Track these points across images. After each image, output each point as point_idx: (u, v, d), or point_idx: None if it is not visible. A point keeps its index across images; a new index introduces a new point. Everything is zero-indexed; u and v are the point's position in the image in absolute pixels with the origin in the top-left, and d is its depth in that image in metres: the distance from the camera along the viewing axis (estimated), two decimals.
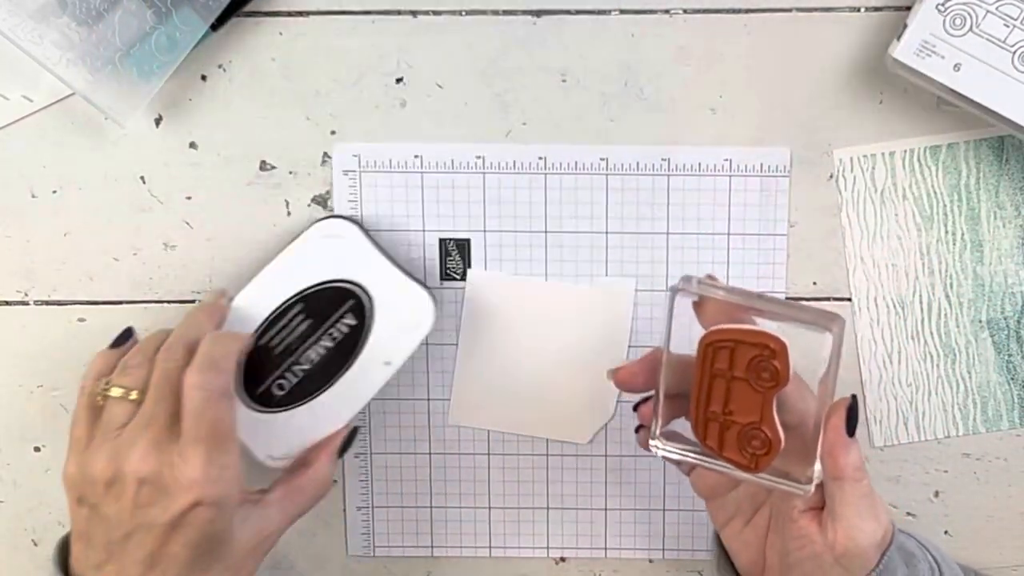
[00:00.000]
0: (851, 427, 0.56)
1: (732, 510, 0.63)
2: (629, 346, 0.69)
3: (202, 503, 0.56)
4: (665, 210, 0.68)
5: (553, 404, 0.70)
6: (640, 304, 0.69)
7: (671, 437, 0.60)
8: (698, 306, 0.58)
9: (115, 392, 0.59)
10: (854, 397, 0.57)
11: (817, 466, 0.57)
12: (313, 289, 0.64)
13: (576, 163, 0.67)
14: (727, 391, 0.56)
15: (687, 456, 0.59)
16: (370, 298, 0.64)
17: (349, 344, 0.64)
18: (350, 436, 0.65)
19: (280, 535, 0.63)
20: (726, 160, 0.67)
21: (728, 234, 0.68)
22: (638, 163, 0.67)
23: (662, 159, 0.67)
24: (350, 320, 0.64)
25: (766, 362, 0.55)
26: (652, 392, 0.59)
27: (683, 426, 0.60)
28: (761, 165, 0.67)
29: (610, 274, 0.69)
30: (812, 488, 0.57)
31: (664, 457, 0.60)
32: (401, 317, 0.64)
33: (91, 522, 0.58)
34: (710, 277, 0.59)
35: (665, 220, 0.68)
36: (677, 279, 0.58)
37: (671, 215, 0.68)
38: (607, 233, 0.68)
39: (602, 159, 0.67)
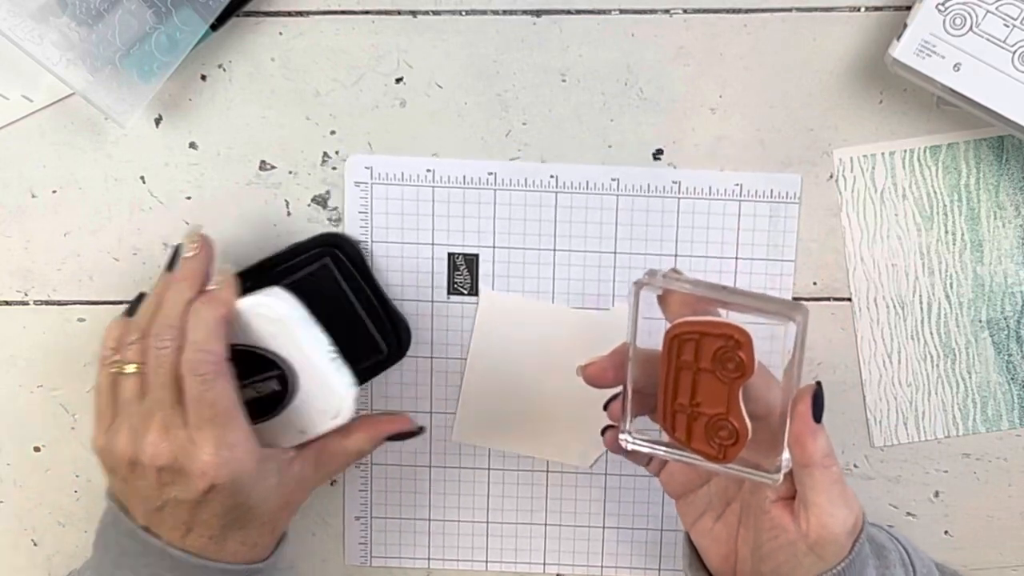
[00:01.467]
0: (817, 414, 0.56)
1: (702, 507, 0.63)
2: None
3: (217, 484, 0.58)
4: (674, 232, 0.68)
5: (558, 428, 0.70)
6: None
7: (638, 435, 0.60)
8: (662, 300, 0.58)
9: (127, 368, 0.60)
10: (819, 384, 0.57)
11: (786, 455, 0.57)
12: (245, 348, 0.62)
13: (587, 183, 0.67)
14: (693, 383, 0.57)
15: (656, 449, 0.60)
16: (295, 377, 0.63)
17: (271, 403, 0.63)
18: (411, 433, 0.66)
19: (312, 491, 0.65)
20: (736, 185, 0.67)
21: (736, 258, 0.68)
22: (649, 185, 0.67)
23: (672, 181, 0.67)
24: (275, 385, 0.63)
25: (731, 353, 0.55)
26: (621, 390, 0.60)
27: (650, 426, 0.60)
28: (771, 191, 0.67)
29: (617, 293, 0.68)
30: (781, 477, 0.57)
31: (634, 450, 0.60)
32: (321, 404, 0.63)
33: (125, 492, 0.61)
34: (674, 271, 0.59)
35: (674, 243, 0.68)
36: (642, 273, 0.58)
37: (680, 238, 0.68)
38: (615, 253, 0.68)
39: (613, 179, 0.67)
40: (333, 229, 0.68)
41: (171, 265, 0.63)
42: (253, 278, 0.65)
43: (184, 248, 0.63)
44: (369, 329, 0.67)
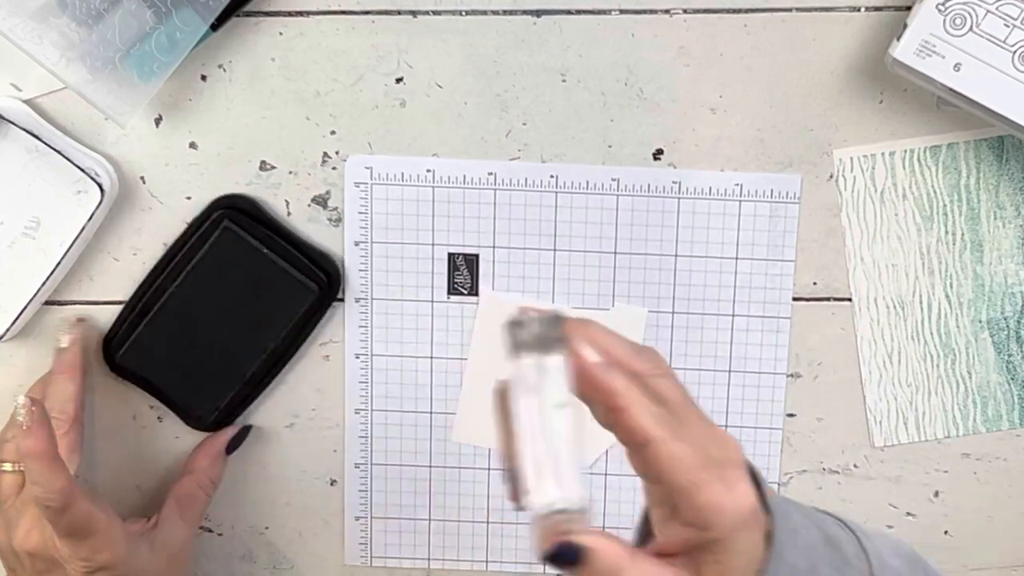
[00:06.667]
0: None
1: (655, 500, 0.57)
2: None
3: (91, 571, 0.61)
4: (674, 232, 0.68)
5: None
6: (647, 325, 0.69)
7: None
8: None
9: (5, 467, 0.63)
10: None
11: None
12: None
13: (587, 183, 0.67)
14: None
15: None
16: None
17: None
18: (240, 434, 0.69)
19: (192, 541, 0.68)
20: (736, 185, 0.67)
21: (736, 258, 0.68)
22: (649, 185, 0.67)
23: (672, 181, 0.67)
24: None
25: None
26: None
27: None
28: (771, 191, 0.67)
29: (617, 293, 0.68)
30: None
31: None
32: None
33: None
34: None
35: (674, 243, 0.68)
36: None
37: (680, 238, 0.68)
38: (615, 253, 0.68)
39: (613, 179, 0.67)
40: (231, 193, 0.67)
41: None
42: (162, 271, 0.67)
43: (60, 340, 0.67)
44: (293, 275, 0.66)
